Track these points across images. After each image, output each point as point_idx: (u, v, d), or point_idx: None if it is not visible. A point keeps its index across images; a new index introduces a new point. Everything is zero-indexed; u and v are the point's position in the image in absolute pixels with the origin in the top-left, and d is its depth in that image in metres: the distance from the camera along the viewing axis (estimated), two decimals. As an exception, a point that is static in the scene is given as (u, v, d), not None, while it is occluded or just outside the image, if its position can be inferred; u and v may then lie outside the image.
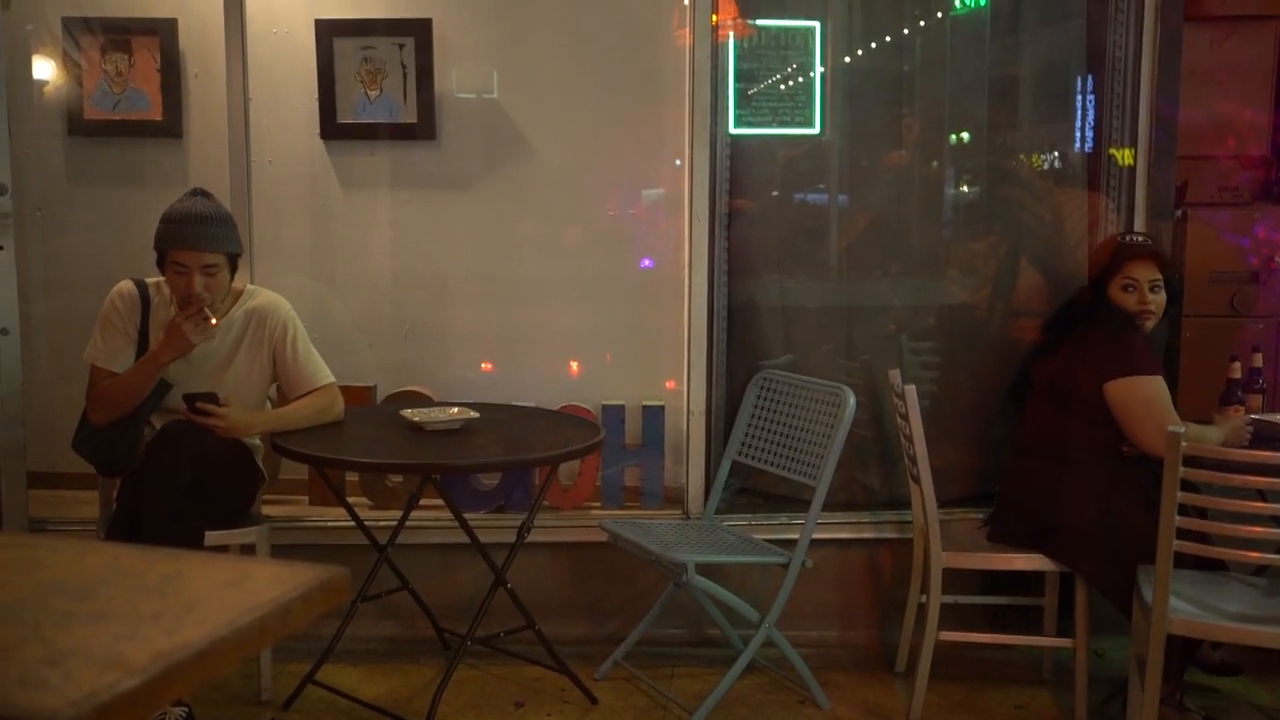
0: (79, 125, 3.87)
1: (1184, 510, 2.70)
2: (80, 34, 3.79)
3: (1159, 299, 3.31)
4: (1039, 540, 3.24)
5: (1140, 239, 3.39)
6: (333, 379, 3.28)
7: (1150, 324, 3.30)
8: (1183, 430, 2.68)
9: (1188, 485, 2.70)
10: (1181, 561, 2.75)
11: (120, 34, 3.80)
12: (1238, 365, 3.27)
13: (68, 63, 3.83)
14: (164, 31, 3.79)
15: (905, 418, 3.29)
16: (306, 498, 3.87)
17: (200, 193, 3.15)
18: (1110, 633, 3.58)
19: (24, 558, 1.20)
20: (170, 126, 3.85)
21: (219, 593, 1.08)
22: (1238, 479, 2.64)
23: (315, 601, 1.09)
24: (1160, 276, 3.30)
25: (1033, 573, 3.37)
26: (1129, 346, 3.22)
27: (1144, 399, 3.15)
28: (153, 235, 3.07)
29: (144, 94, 3.83)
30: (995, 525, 3.39)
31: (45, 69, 3.86)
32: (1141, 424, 3.13)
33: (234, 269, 3.15)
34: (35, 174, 3.87)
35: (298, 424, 3.18)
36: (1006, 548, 3.29)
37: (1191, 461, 2.67)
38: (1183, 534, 2.70)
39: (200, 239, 3.03)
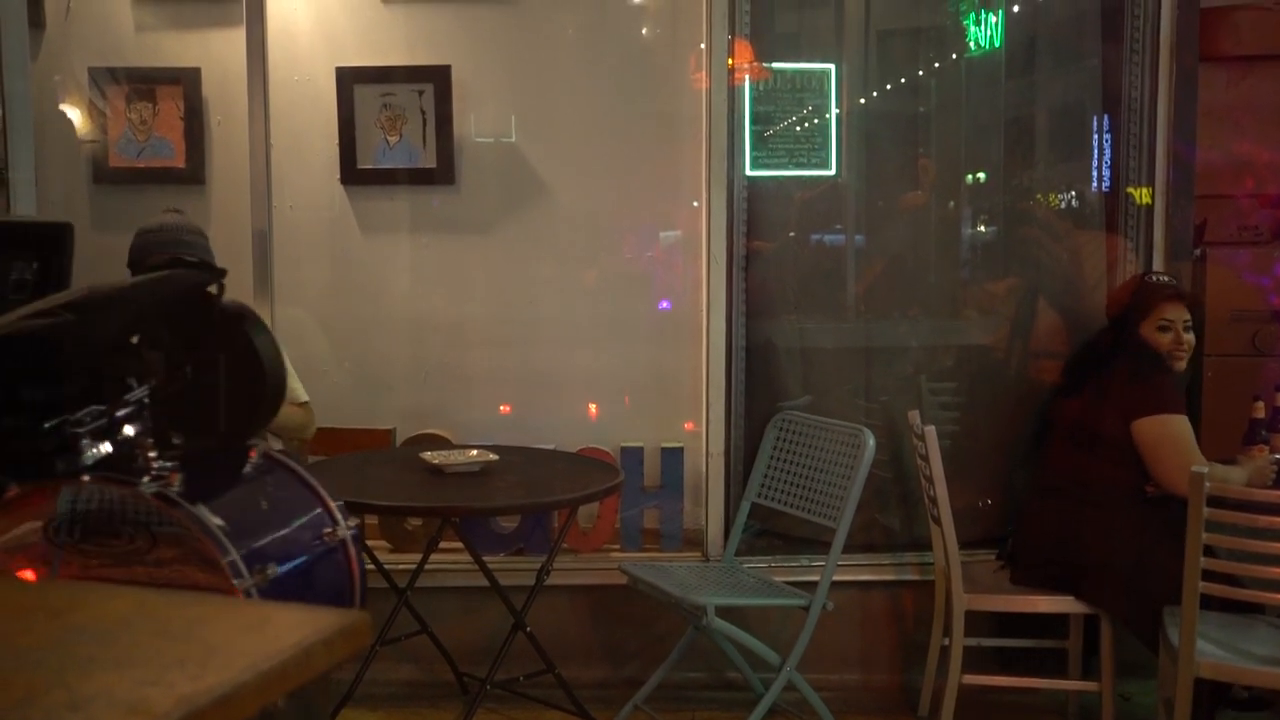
0: (104, 173, 3.92)
1: (1210, 551, 2.68)
2: (106, 84, 3.85)
3: (1191, 339, 3.34)
4: (1064, 582, 3.21)
5: (1166, 279, 3.41)
6: (309, 399, 3.38)
7: (1182, 364, 3.33)
8: (1206, 470, 2.66)
9: (1213, 526, 2.68)
10: (1209, 603, 2.72)
11: (145, 83, 3.85)
12: (1261, 405, 3.26)
13: (93, 112, 3.88)
14: (187, 81, 3.85)
15: (925, 459, 3.27)
16: (326, 541, 3.87)
17: (174, 210, 3.27)
18: (1137, 675, 3.53)
19: (47, 603, 1.21)
20: (193, 173, 3.90)
21: (241, 637, 1.08)
22: (1263, 520, 2.62)
23: (336, 646, 1.09)
24: (1190, 317, 3.34)
25: (1057, 615, 3.34)
26: (1158, 385, 3.22)
27: (1171, 438, 3.15)
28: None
29: (168, 142, 3.88)
30: (1016, 568, 3.37)
31: (71, 118, 3.92)
32: (1168, 463, 3.12)
33: None
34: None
35: (291, 430, 3.32)
36: (1029, 589, 3.27)
37: (1215, 502, 2.65)
38: (1209, 575, 2.68)
39: (179, 245, 3.14)
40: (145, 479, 2.09)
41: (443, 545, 3.27)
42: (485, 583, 3.44)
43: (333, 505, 2.39)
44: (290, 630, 1.08)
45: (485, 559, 3.47)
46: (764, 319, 3.88)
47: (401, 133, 3.85)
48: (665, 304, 3.99)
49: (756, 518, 3.76)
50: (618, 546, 3.86)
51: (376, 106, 3.84)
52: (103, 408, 2.11)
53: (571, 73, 3.95)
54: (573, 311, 3.98)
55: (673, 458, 3.88)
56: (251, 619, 1.14)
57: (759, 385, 3.87)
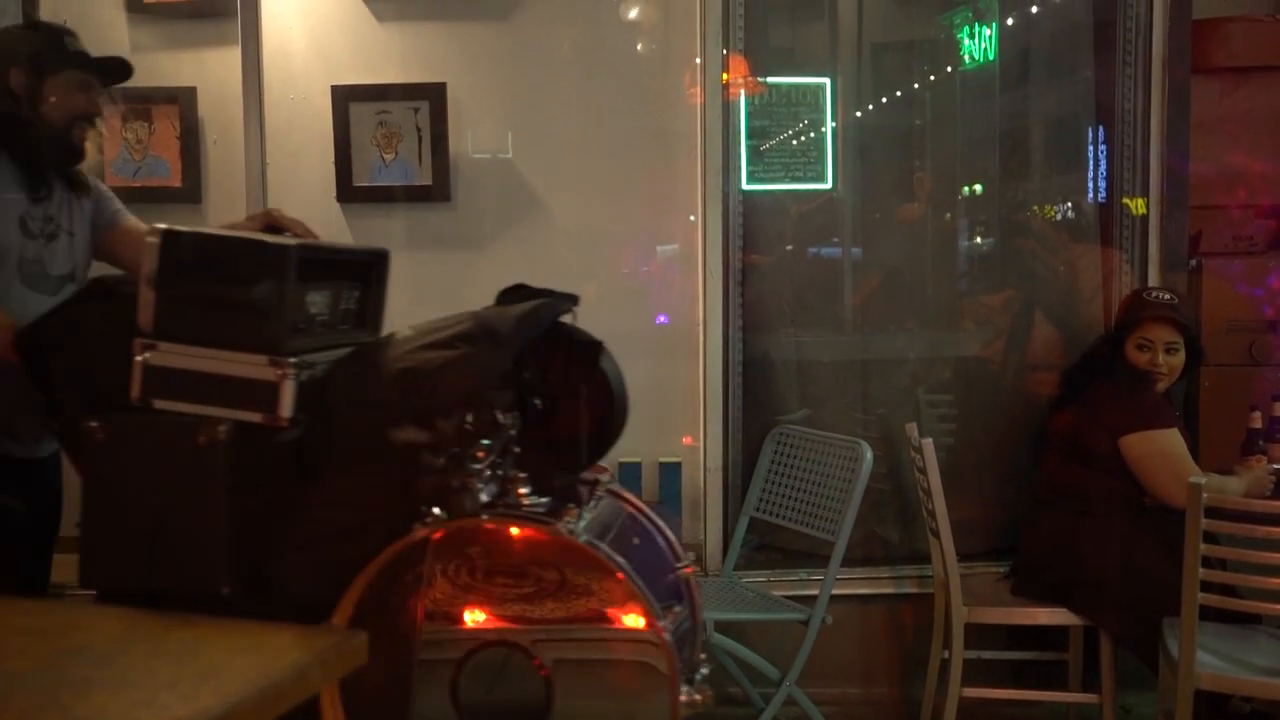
0: (100, 192, 3.92)
1: (1208, 562, 2.68)
2: (102, 104, 3.85)
3: (1174, 361, 3.28)
4: (1061, 594, 3.21)
5: (1166, 297, 3.36)
6: None
7: (1162, 385, 3.29)
8: (1204, 481, 2.66)
9: (1211, 537, 2.68)
10: (1208, 614, 2.72)
11: (141, 103, 3.85)
12: (1258, 415, 3.26)
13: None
14: (184, 100, 3.85)
15: (923, 471, 3.27)
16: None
17: None
18: (1137, 687, 3.53)
19: (41, 624, 1.21)
20: (190, 192, 3.90)
21: (236, 658, 1.08)
22: (1261, 530, 2.62)
23: (333, 666, 1.09)
24: (1178, 339, 3.28)
25: (1056, 627, 3.33)
26: (1142, 401, 3.21)
27: (1160, 452, 3.14)
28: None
29: (164, 161, 3.89)
30: (1017, 578, 3.37)
31: (67, 138, 3.92)
32: (1160, 477, 3.12)
33: None
34: (57, 240, 3.91)
35: None
36: (1029, 601, 3.26)
37: (1214, 513, 2.65)
38: (1207, 586, 2.67)
39: None
40: (518, 512, 2.03)
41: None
42: (484, 599, 3.43)
43: (674, 540, 2.35)
44: (286, 650, 1.09)
45: (484, 575, 3.46)
46: (761, 333, 3.88)
47: (397, 150, 3.86)
48: (662, 319, 3.99)
49: (755, 532, 3.76)
50: (616, 562, 3.85)
51: (372, 124, 3.85)
52: (489, 442, 2.06)
53: (566, 89, 3.96)
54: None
55: (671, 472, 3.87)
56: (247, 639, 1.13)
57: (756, 399, 3.87)
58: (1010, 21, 3.94)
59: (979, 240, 4.10)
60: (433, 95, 3.82)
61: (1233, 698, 3.17)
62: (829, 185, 3.95)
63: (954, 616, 3.19)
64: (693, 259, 3.83)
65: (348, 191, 3.88)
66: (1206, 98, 3.83)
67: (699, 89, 3.75)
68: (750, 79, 3.87)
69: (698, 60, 3.76)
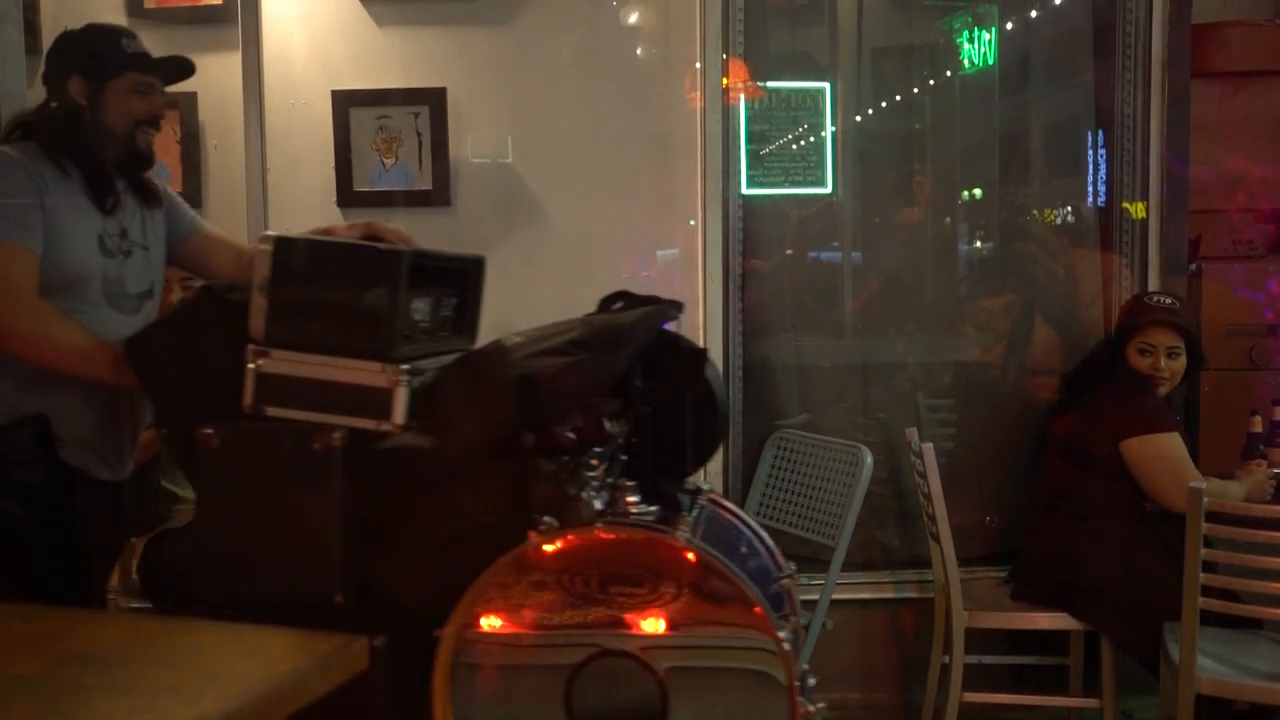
0: (100, 197, 3.92)
1: (1209, 567, 2.68)
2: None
3: (1175, 365, 3.28)
4: (1062, 598, 3.21)
5: (1167, 301, 3.36)
6: None
7: (1164, 389, 3.29)
8: (1204, 486, 2.66)
9: (1211, 541, 2.68)
10: (1208, 619, 2.72)
11: (141, 107, 3.86)
12: (1258, 419, 3.26)
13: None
14: (184, 105, 3.85)
15: (923, 476, 3.27)
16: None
17: None
18: (1138, 692, 3.53)
19: (43, 630, 1.21)
20: (190, 197, 3.86)
21: (237, 664, 1.08)
22: (1262, 535, 2.62)
23: (333, 671, 1.09)
24: (1180, 344, 3.28)
25: (1057, 631, 3.33)
26: (1143, 405, 3.21)
27: (1161, 456, 3.14)
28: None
29: (164, 166, 3.87)
30: (1017, 583, 3.37)
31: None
32: (1161, 481, 3.12)
33: None
34: (57, 245, 3.92)
35: None
36: (1029, 606, 3.26)
37: (1214, 517, 2.65)
38: (1208, 591, 2.67)
39: None
40: (639, 522, 2.01)
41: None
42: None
43: (774, 549, 2.35)
44: (286, 656, 1.08)
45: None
46: (761, 337, 3.88)
47: (397, 155, 3.86)
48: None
49: (755, 536, 3.75)
50: (617, 566, 3.84)
51: (372, 129, 3.85)
52: (601, 450, 2.04)
53: (566, 94, 3.96)
54: (570, 331, 3.97)
55: (671, 477, 3.86)
56: (247, 644, 1.13)
57: (756, 404, 3.87)
58: (1010, 26, 3.94)
59: (979, 245, 4.10)
60: (433, 100, 3.83)
61: (1234, 702, 3.17)
62: (829, 190, 3.95)
63: (954, 621, 3.19)
64: (692, 263, 3.83)
65: (348, 196, 3.88)
66: (1206, 102, 3.84)
67: (699, 93, 3.75)
68: (750, 83, 3.87)
69: (697, 65, 3.76)
